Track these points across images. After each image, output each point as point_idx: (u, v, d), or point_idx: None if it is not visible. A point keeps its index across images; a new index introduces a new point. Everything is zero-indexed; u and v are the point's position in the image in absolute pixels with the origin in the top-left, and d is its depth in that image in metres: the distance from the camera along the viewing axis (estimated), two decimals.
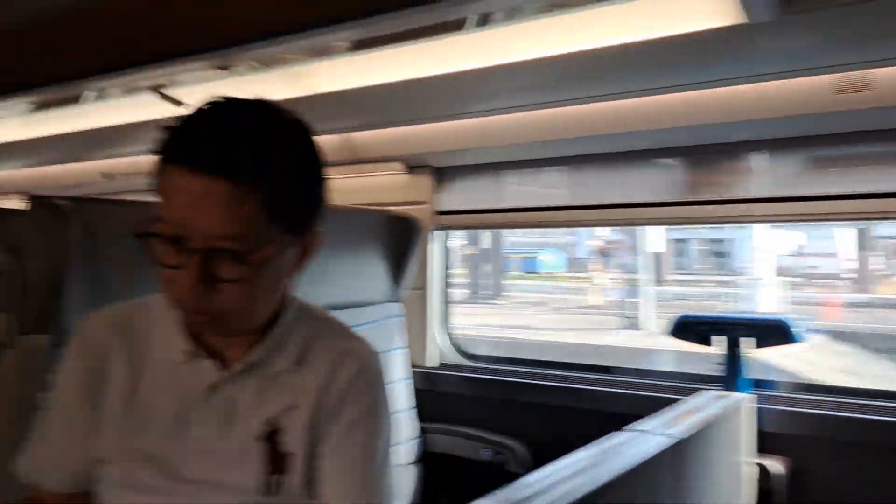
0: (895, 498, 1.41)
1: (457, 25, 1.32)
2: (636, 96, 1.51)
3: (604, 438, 1.09)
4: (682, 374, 1.74)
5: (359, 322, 1.58)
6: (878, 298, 10.47)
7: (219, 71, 1.76)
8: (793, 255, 11.79)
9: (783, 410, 1.52)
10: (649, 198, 1.71)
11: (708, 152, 1.64)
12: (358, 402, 0.95)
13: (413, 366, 1.85)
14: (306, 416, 0.92)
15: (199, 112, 0.83)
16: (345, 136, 1.94)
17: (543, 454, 1.12)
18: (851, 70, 1.32)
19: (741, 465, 1.42)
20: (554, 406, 1.76)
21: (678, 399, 1.40)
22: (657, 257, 11.03)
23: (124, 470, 0.90)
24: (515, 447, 1.72)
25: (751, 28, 1.11)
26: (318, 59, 1.64)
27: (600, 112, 1.58)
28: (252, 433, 0.91)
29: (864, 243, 10.99)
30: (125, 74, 1.76)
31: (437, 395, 1.90)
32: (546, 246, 15.07)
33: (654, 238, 10.45)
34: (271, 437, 0.91)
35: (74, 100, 2.16)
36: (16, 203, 2.82)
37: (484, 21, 1.31)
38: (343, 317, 1.03)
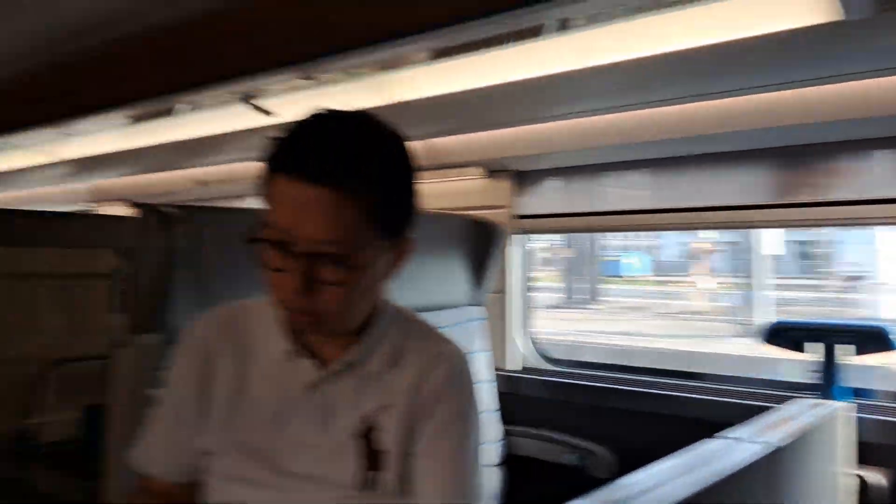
0: None
1: (534, 32, 1.33)
2: (725, 97, 1.48)
3: (695, 445, 1.07)
4: (774, 381, 1.69)
5: (441, 324, 1.58)
6: None
7: (306, 81, 1.84)
8: None
9: (885, 420, 1.46)
10: (739, 200, 1.67)
11: (802, 153, 1.59)
12: (450, 403, 0.97)
13: (495, 369, 1.87)
14: (400, 415, 0.95)
15: (303, 123, 0.88)
16: (426, 142, 1.98)
17: (630, 460, 1.12)
18: None
19: (839, 476, 1.37)
20: (640, 412, 1.74)
21: (770, 407, 1.36)
22: (771, 260, 10.20)
23: (230, 462, 0.95)
24: (600, 452, 1.71)
25: (848, 25, 1.08)
26: (399, 68, 1.68)
27: (687, 113, 1.55)
28: (348, 430, 0.94)
29: None
30: (218, 87, 1.86)
31: (519, 398, 1.91)
32: (628, 249, 14.61)
33: (771, 240, 9.66)
34: (367, 434, 0.95)
35: (168, 112, 2.28)
36: (119, 209, 3.01)
37: (563, 26, 1.32)
38: (426, 319, 1.06)
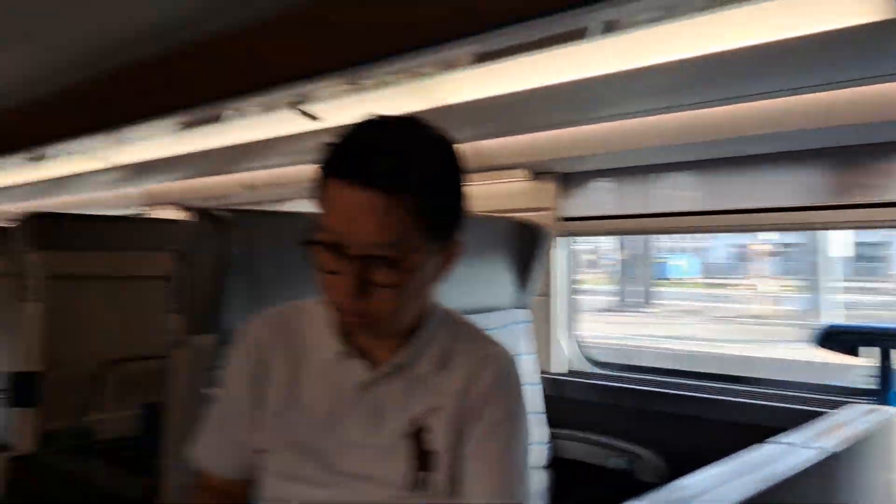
0: None
1: (578, 35, 1.33)
2: (775, 97, 1.46)
3: (747, 450, 1.06)
4: (828, 386, 1.65)
5: (486, 327, 1.59)
6: None
7: (352, 86, 1.87)
8: None
9: None
10: (792, 202, 1.64)
11: (858, 153, 1.55)
12: (498, 405, 0.98)
13: (541, 372, 1.87)
14: (449, 417, 0.96)
15: (355, 129, 0.90)
16: (470, 144, 1.99)
17: (678, 464, 1.11)
18: None
19: (895, 484, 1.34)
20: (688, 416, 1.72)
21: (823, 412, 1.33)
22: (837, 262, 9.68)
23: (284, 460, 0.98)
24: (647, 456, 1.70)
25: None
26: (444, 72, 1.70)
27: (735, 114, 1.53)
28: (398, 431, 0.96)
29: None
30: (265, 93, 1.90)
31: (564, 401, 1.90)
32: (674, 251, 14.23)
33: (838, 241, 9.14)
34: (417, 435, 0.96)
35: (216, 118, 2.34)
36: (171, 213, 3.09)
37: (608, 28, 1.32)
38: (473, 321, 1.06)
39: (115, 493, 1.45)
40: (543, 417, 1.80)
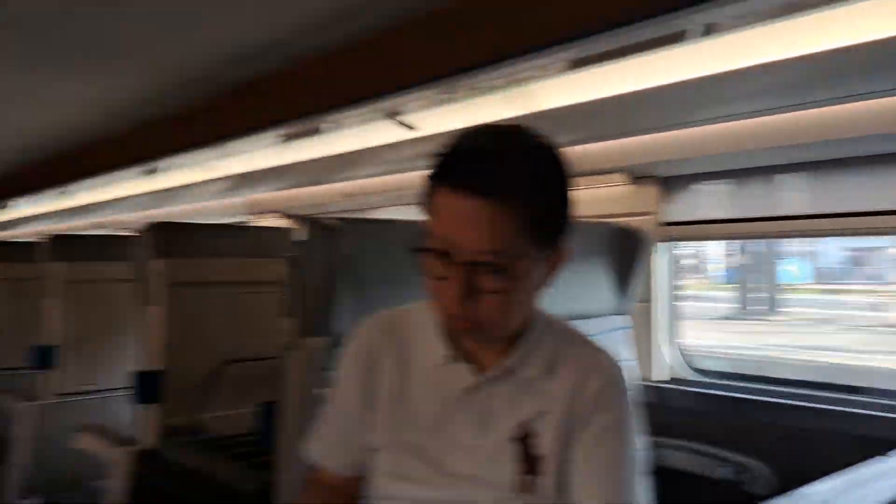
0: None
1: (676, 38, 1.31)
2: (889, 95, 1.38)
3: (865, 463, 1.01)
4: None
5: (585, 333, 1.60)
6: None
7: (447, 96, 1.90)
8: None
9: None
10: None
11: None
12: (607, 411, 0.98)
13: (642, 379, 1.84)
14: (557, 422, 0.97)
15: (463, 137, 0.92)
16: (567, 150, 1.98)
17: (789, 476, 1.07)
18: None
19: None
20: (800, 427, 1.64)
21: None
22: None
23: (393, 460, 1.01)
24: (756, 467, 1.64)
25: None
26: (539, 79, 1.71)
27: (848, 113, 1.46)
28: (506, 434, 0.97)
29: None
30: (362, 106, 1.97)
31: (666, 409, 1.86)
32: (781, 255, 13.39)
33: None
34: (524, 439, 0.98)
35: (315, 131, 2.44)
36: (273, 221, 3.23)
37: (708, 31, 1.29)
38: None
39: (233, 487, 1.54)
40: (644, 425, 1.77)
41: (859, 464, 1.01)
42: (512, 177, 0.87)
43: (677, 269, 2.04)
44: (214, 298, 2.03)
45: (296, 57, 1.99)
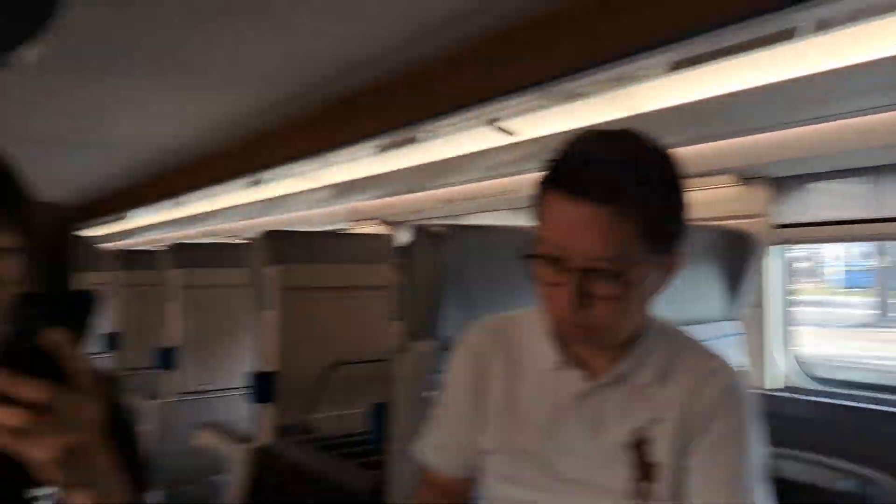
0: None
1: (786, 35, 1.26)
2: None
3: None
4: None
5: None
6: None
7: (547, 100, 1.90)
8: None
9: None
10: None
11: None
12: (725, 419, 0.96)
13: (754, 387, 1.77)
14: (672, 429, 0.96)
15: (574, 143, 0.92)
16: (673, 151, 1.94)
17: None
18: None
19: None
20: None
21: None
22: None
23: (504, 463, 1.02)
24: (883, 480, 1.54)
25: None
26: (640, 81, 1.68)
27: None
28: (619, 441, 0.97)
29: None
30: (461, 113, 1.99)
31: (780, 418, 1.78)
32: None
33: None
34: (638, 446, 0.97)
35: (411, 140, 2.49)
36: (374, 227, 3.32)
37: (821, 27, 1.23)
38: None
39: (345, 485, 1.59)
40: (762, 433, 1.70)
41: None
42: (626, 182, 0.86)
43: (791, 273, 1.96)
44: (323, 302, 2.12)
45: (394, 69, 2.05)
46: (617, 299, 0.89)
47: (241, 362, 2.73)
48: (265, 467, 1.93)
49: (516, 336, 1.06)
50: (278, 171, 3.14)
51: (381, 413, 1.36)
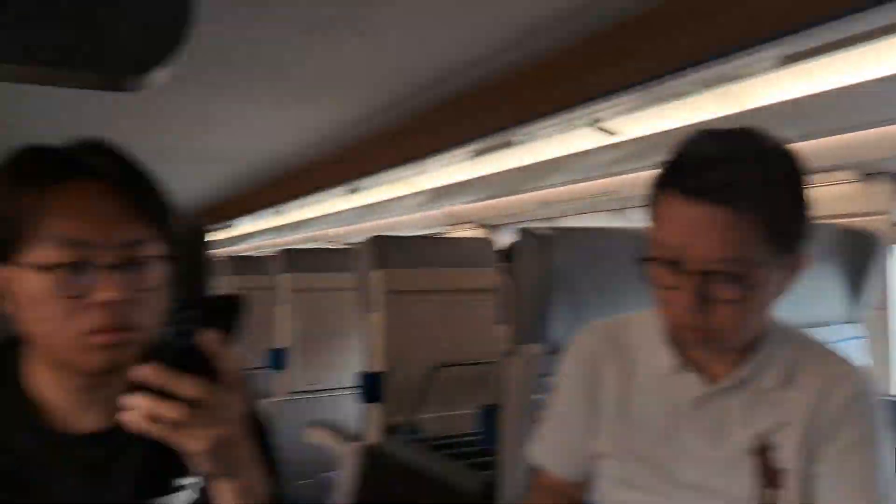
0: None
1: None
2: None
3: None
4: None
5: None
6: None
7: (650, 99, 1.87)
8: None
9: None
10: None
11: None
12: (855, 425, 0.92)
13: (880, 392, 1.67)
14: (799, 434, 0.93)
15: (690, 142, 0.91)
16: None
17: None
18: None
19: None
20: None
21: None
22: None
23: (619, 467, 1.02)
24: None
25: None
26: (747, 77, 1.63)
27: None
28: (742, 446, 0.95)
29: None
30: (562, 115, 1.99)
31: None
32: None
33: None
34: (762, 452, 0.94)
35: (507, 144, 2.50)
36: (470, 231, 3.35)
37: None
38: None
39: (454, 485, 1.62)
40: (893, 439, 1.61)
41: None
42: (746, 181, 0.85)
43: None
44: (427, 305, 2.16)
45: (492, 74, 2.06)
46: (738, 302, 0.87)
47: (348, 363, 2.83)
48: (374, 465, 1.99)
49: (630, 339, 1.05)
50: (375, 178, 3.22)
51: (490, 415, 1.38)
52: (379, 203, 3.88)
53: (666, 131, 1.99)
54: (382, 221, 4.24)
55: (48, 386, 0.78)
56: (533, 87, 2.00)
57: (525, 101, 2.04)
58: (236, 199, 4.81)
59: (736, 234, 0.84)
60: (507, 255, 1.45)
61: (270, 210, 4.81)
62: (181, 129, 2.85)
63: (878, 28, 1.19)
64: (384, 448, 2.03)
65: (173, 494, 0.80)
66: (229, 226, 5.46)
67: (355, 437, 2.13)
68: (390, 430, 2.06)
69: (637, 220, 2.63)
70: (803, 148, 1.80)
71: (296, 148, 3.31)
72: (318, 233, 5.37)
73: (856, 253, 1.60)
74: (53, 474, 0.76)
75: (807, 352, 0.98)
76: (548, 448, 1.11)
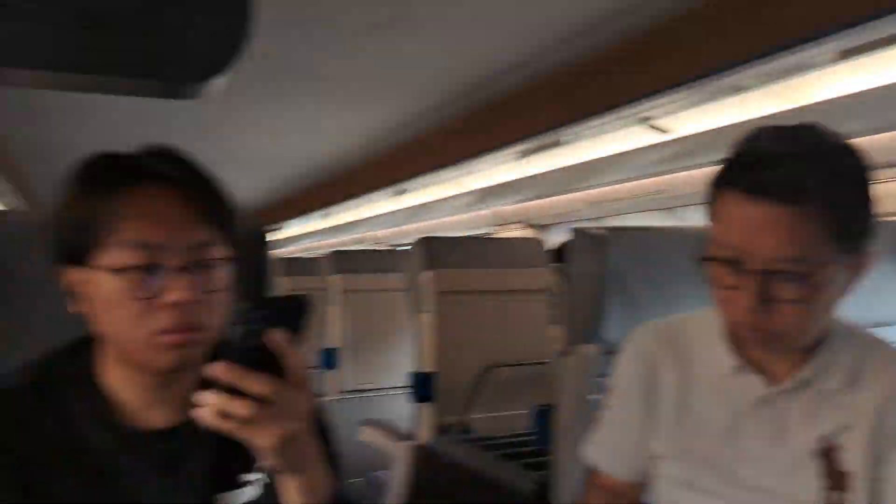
0: None
1: None
2: None
3: None
4: None
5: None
6: None
7: (702, 96, 1.84)
8: None
9: None
10: None
11: None
12: None
13: None
14: (865, 437, 0.91)
15: (751, 140, 0.89)
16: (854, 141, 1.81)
17: None
18: None
19: None
20: None
21: None
22: None
23: (681, 469, 1.00)
24: None
25: None
26: (804, 72, 1.59)
27: None
28: (805, 448, 0.93)
29: None
30: (615, 113, 1.97)
31: None
32: None
33: None
34: (827, 454, 0.92)
35: (555, 143, 2.48)
36: (518, 231, 3.35)
37: None
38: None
39: (508, 485, 1.63)
40: None
41: None
42: (809, 179, 0.83)
43: None
44: (477, 306, 2.17)
45: (540, 73, 2.06)
46: (801, 302, 0.85)
47: (397, 363, 2.86)
48: (427, 465, 2.00)
49: (688, 339, 1.04)
50: (423, 179, 3.24)
51: (544, 415, 1.38)
52: (425, 204, 3.90)
53: (720, 128, 1.96)
54: (429, 223, 4.26)
55: (120, 384, 0.80)
56: (583, 85, 1.99)
57: (575, 99, 2.03)
58: (286, 202, 4.90)
59: (799, 233, 0.83)
60: (560, 255, 1.45)
61: (319, 213, 4.88)
62: (233, 134, 2.92)
63: None
64: (436, 447, 2.04)
65: (239, 490, 0.82)
66: (279, 228, 5.57)
67: (407, 437, 2.15)
68: (442, 429, 2.08)
69: (688, 218, 2.59)
70: (868, 142, 1.76)
71: (344, 150, 3.35)
72: (365, 235, 5.43)
73: None
74: (127, 468, 0.79)
75: (873, 353, 0.95)
76: (604, 449, 1.11)
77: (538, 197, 3.25)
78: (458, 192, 3.51)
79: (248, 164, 3.52)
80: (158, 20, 0.68)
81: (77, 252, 0.76)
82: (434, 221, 4.21)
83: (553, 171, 2.73)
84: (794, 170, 0.83)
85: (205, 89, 0.73)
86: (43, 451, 0.76)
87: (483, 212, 3.68)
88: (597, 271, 1.29)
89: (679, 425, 1.01)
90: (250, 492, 0.82)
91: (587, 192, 2.86)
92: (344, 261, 3.09)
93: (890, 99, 1.52)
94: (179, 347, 0.76)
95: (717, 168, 0.91)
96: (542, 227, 3.24)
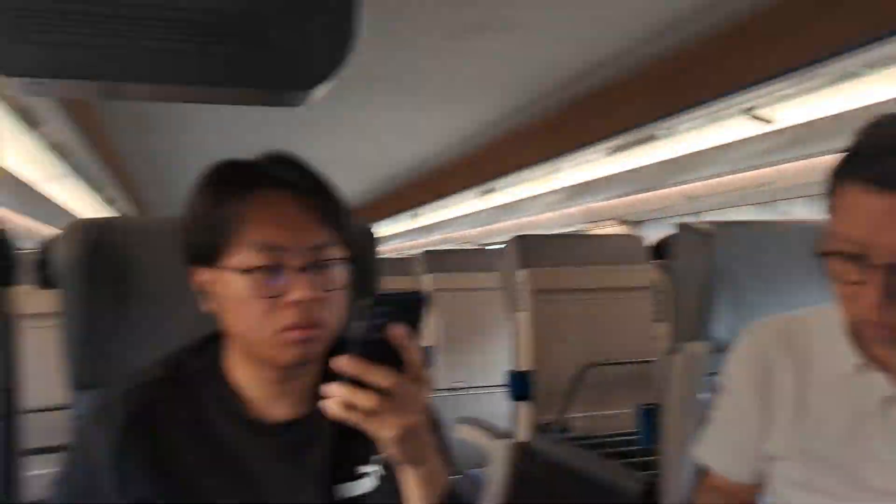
0: None
1: None
2: None
3: None
4: None
5: None
6: None
7: (809, 84, 1.76)
8: None
9: None
10: None
11: None
12: None
13: None
14: None
15: (872, 129, 0.85)
16: None
17: None
18: None
19: None
20: None
21: None
22: None
23: (797, 469, 0.97)
24: None
25: None
26: None
27: None
28: None
29: None
30: (716, 104, 1.91)
31: None
32: None
33: None
34: None
35: (650, 138, 2.42)
36: (610, 228, 3.30)
37: None
38: None
39: (612, 484, 1.61)
40: None
41: None
42: None
43: None
44: (574, 304, 2.16)
45: (634, 67, 2.02)
46: None
47: (492, 361, 2.87)
48: (526, 463, 2.01)
49: (805, 337, 1.00)
50: (512, 177, 3.24)
51: (650, 414, 1.36)
52: (514, 203, 3.90)
53: (829, 117, 1.87)
54: (517, 221, 4.25)
55: (246, 378, 0.85)
56: (680, 77, 1.94)
57: (671, 91, 1.98)
58: (377, 203, 5.01)
59: None
60: (662, 251, 1.42)
61: (408, 213, 4.97)
62: (328, 137, 3.02)
63: None
64: (535, 446, 2.04)
65: (357, 481, 0.85)
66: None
67: (504, 435, 2.15)
68: (539, 428, 2.07)
69: (791, 212, 2.48)
70: None
71: (435, 151, 3.39)
72: (453, 234, 5.48)
73: None
74: (254, 459, 0.83)
75: None
76: (717, 449, 1.08)
77: (630, 193, 3.18)
78: (547, 190, 3.49)
79: (343, 167, 3.62)
80: (265, 31, 0.71)
81: (207, 254, 0.81)
82: (524, 220, 4.20)
83: (648, 165, 2.68)
84: None
85: (309, 97, 0.76)
86: (178, 437, 0.81)
87: (573, 209, 3.65)
88: (703, 267, 1.26)
89: (797, 426, 0.98)
90: (367, 483, 0.85)
91: (684, 186, 2.78)
92: (435, 260, 3.13)
93: None
94: (302, 343, 0.79)
95: (835, 158, 0.87)
96: (636, 224, 3.18)
